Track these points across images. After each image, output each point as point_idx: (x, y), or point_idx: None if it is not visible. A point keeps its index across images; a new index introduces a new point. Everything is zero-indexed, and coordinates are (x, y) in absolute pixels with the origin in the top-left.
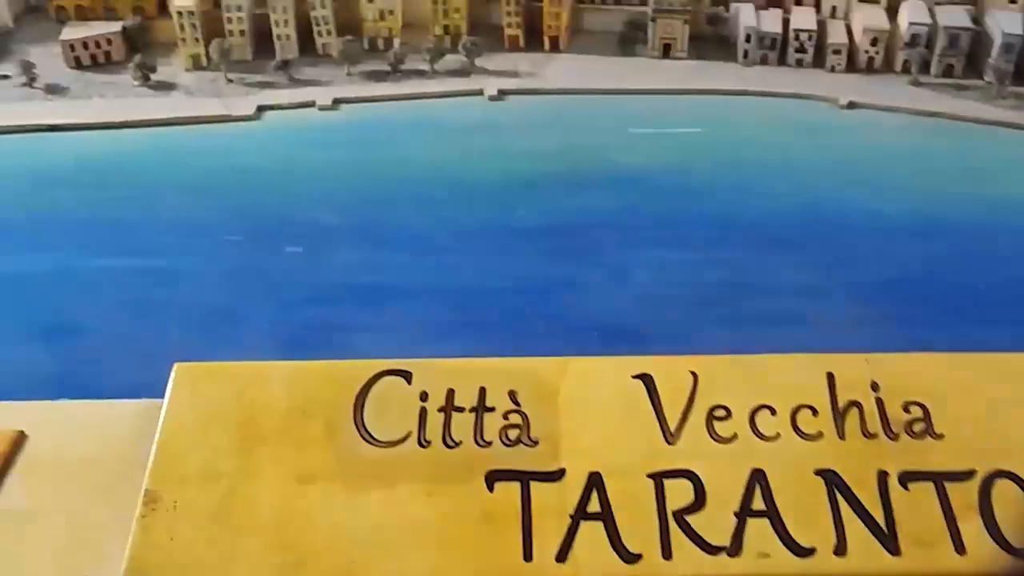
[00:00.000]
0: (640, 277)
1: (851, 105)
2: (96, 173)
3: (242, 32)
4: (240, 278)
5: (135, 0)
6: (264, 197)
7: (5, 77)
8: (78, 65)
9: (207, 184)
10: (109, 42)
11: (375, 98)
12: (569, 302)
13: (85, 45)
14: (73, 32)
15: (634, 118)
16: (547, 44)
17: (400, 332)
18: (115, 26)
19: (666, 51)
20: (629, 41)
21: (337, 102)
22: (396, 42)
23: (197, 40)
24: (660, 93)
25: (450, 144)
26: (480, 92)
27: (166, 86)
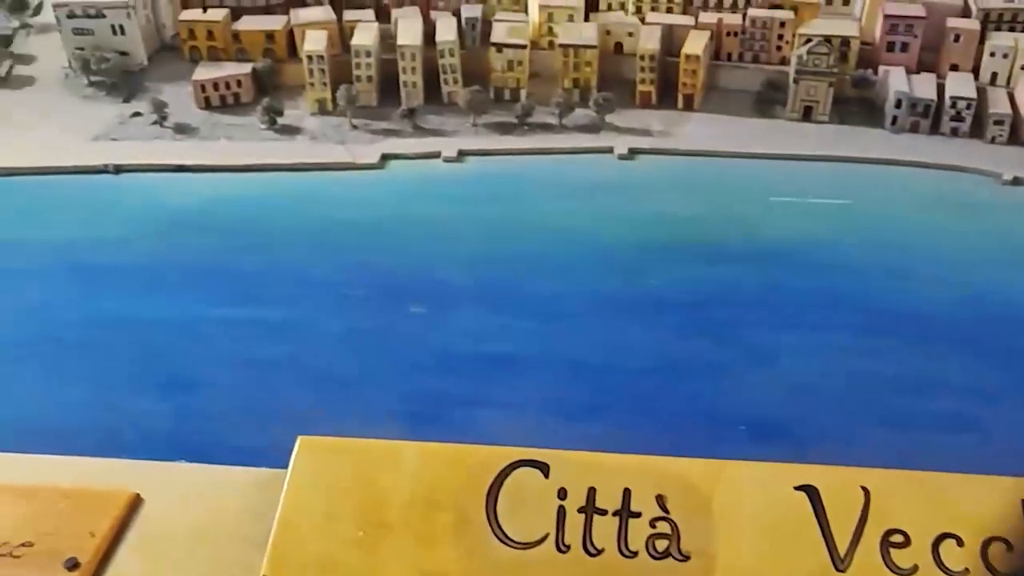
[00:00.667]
0: (788, 363)
1: (1016, 181)
2: (220, 217)
3: (369, 78)
4: (362, 338)
5: (266, 42)
6: (387, 251)
7: (137, 114)
8: (207, 105)
9: (330, 234)
10: (239, 83)
11: (501, 151)
12: (711, 388)
13: (215, 86)
14: (205, 72)
15: (775, 184)
16: (681, 102)
17: (529, 410)
18: (245, 68)
19: (807, 114)
20: (767, 102)
21: (462, 154)
22: (523, 94)
23: (325, 85)
24: (801, 159)
25: (579, 203)
26: (610, 150)
27: (292, 130)
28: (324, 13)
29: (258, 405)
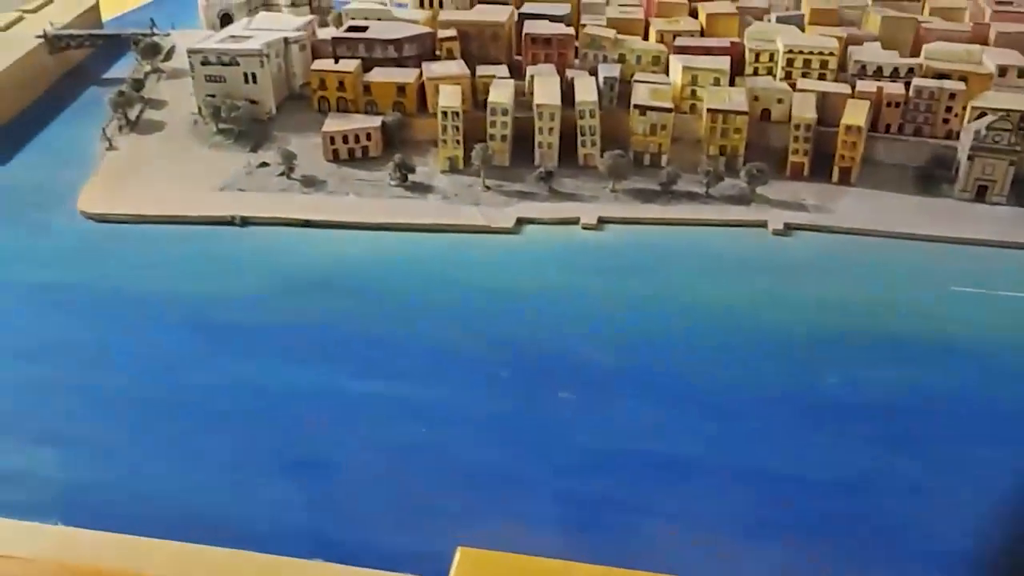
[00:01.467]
0: (1000, 487)
1: None
2: (352, 278)
3: (504, 137)
4: (509, 425)
5: (396, 95)
6: (529, 325)
7: (264, 164)
8: (335, 158)
9: (467, 303)
10: (368, 137)
11: (644, 220)
12: (913, 513)
13: (345, 138)
14: (334, 124)
15: (953, 272)
16: (836, 175)
17: (699, 523)
18: (375, 121)
19: (981, 194)
20: (931, 178)
21: (603, 221)
22: (664, 159)
23: (457, 142)
24: (979, 244)
25: (733, 281)
26: (763, 224)
27: (422, 188)
28: (458, 68)
29: (401, 497)
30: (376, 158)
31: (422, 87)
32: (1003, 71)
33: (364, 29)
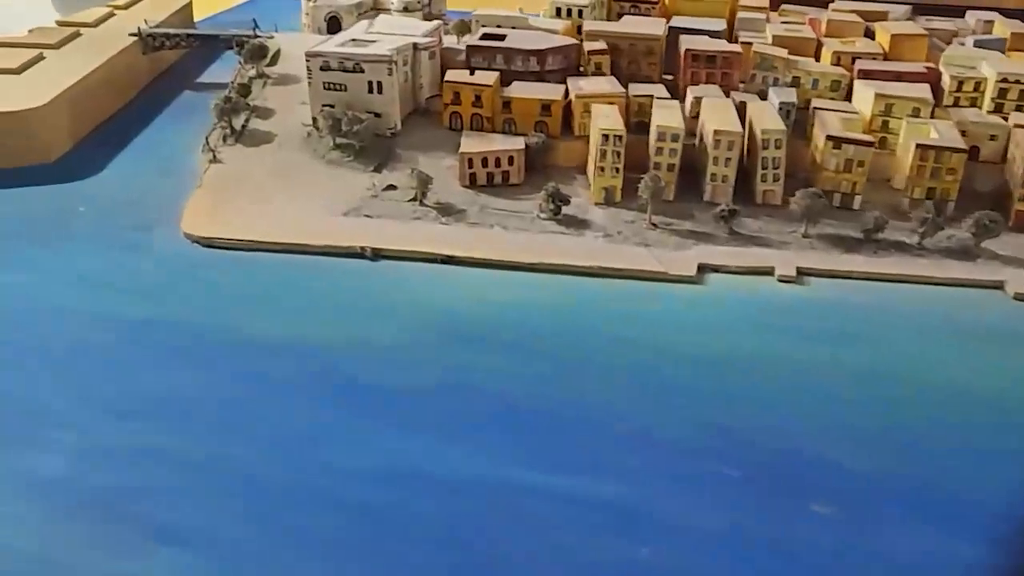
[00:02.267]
0: None
1: None
2: (507, 328)
3: (671, 167)
4: (755, 549)
5: (540, 114)
6: (741, 405)
7: (392, 188)
8: (471, 183)
9: (654, 371)
10: (511, 160)
11: (852, 274)
12: None
13: (484, 162)
14: (472, 145)
15: None
16: None
17: None
18: (517, 143)
19: None
20: None
21: (802, 273)
22: (858, 200)
23: (617, 171)
24: None
25: (975, 355)
26: (999, 286)
27: (576, 223)
28: (610, 85)
29: None
30: (517, 185)
31: (567, 106)
32: None
33: (502, 38)
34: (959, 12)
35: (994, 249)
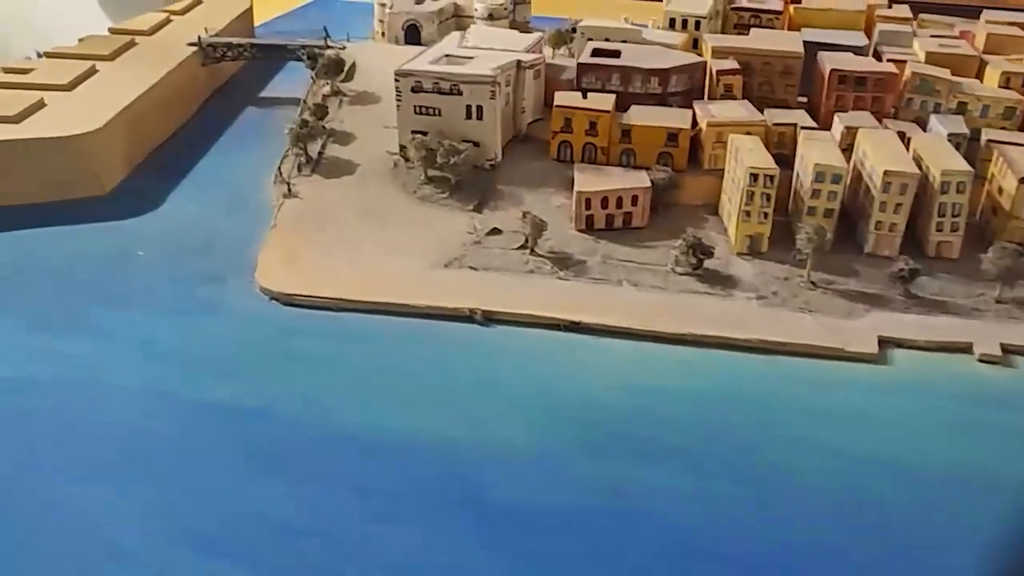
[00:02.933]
0: None
1: None
2: (663, 424)
3: (830, 213)
4: None
5: (664, 145)
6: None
7: (496, 232)
8: (588, 226)
9: (849, 481)
10: (635, 201)
11: None
12: None
13: (604, 202)
14: (589, 181)
15: None
16: None
17: None
18: (641, 179)
19: None
20: None
21: (1008, 352)
22: None
23: (765, 216)
24: None
25: None
26: None
27: (719, 279)
28: (747, 111)
29: None
30: (640, 229)
31: (696, 134)
32: None
33: (617, 54)
34: None
35: None
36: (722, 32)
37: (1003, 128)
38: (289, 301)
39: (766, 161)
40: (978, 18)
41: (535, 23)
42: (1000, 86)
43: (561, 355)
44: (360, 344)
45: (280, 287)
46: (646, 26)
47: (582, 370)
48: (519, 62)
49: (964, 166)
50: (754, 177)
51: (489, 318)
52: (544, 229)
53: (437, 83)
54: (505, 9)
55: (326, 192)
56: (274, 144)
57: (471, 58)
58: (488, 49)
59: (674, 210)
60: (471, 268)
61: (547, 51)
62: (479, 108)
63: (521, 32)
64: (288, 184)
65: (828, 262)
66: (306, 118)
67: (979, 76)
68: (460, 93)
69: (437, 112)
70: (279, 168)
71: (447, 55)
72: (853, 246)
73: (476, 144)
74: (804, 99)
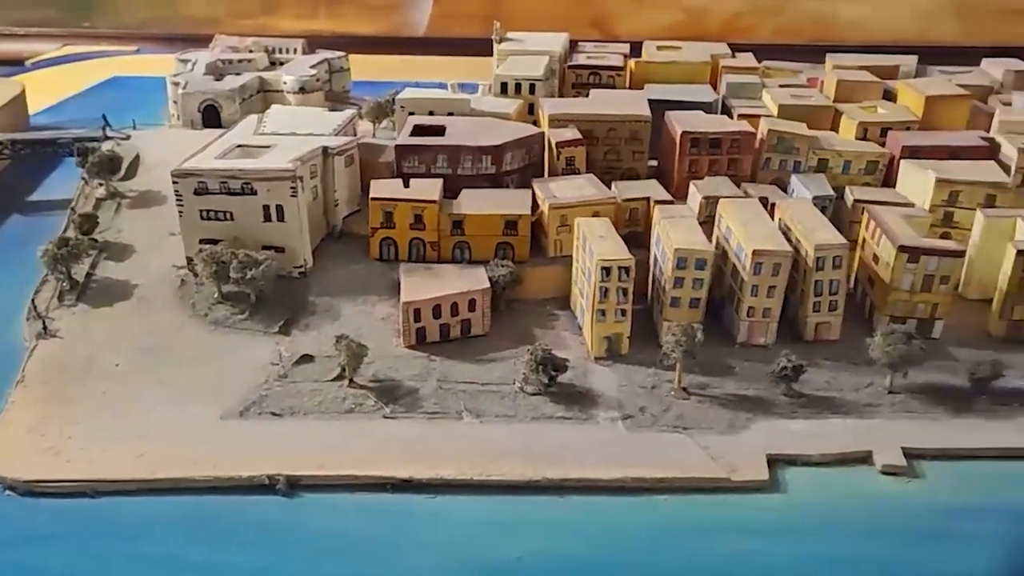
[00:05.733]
0: None
1: None
2: None
3: (695, 302)
4: None
5: (503, 234)
6: None
7: (308, 359)
8: (419, 341)
9: None
10: (472, 305)
11: (979, 453)
12: None
13: (436, 311)
14: (416, 288)
15: None
16: None
17: None
18: (478, 278)
19: None
20: None
21: (912, 456)
22: (939, 328)
23: (623, 314)
24: None
25: None
26: None
27: (577, 397)
28: (592, 186)
29: None
30: (482, 337)
31: (538, 218)
32: None
33: (441, 130)
34: (965, 57)
35: None
36: (560, 94)
37: (867, 184)
38: (30, 490)
39: (618, 250)
40: (818, 59)
41: (358, 90)
42: (858, 137)
43: (389, 528)
44: (125, 544)
45: (17, 471)
46: (476, 90)
47: (417, 549)
48: (326, 148)
49: (839, 238)
50: (606, 271)
51: (294, 485)
52: (363, 355)
53: (225, 182)
54: (318, 80)
55: (94, 326)
56: (36, 265)
57: (268, 147)
58: (289, 134)
59: (519, 308)
60: (273, 414)
61: (367, 127)
62: (279, 208)
63: (340, 103)
64: (43, 321)
65: (699, 358)
66: (65, 236)
67: (834, 127)
68: (254, 192)
69: (229, 216)
70: (32, 302)
71: (239, 145)
72: (722, 335)
73: (280, 250)
74: (655, 162)
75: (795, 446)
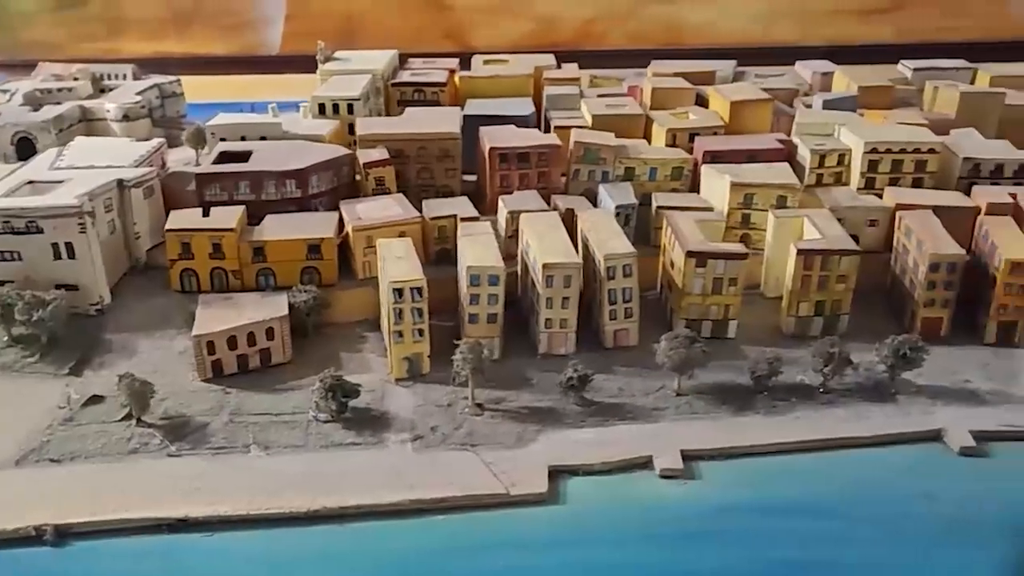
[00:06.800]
0: None
1: None
2: None
3: (493, 319)
4: None
5: (307, 258)
6: None
7: (97, 400)
8: (216, 374)
9: None
10: (270, 334)
11: (754, 449)
12: None
13: (231, 342)
14: (210, 319)
15: None
16: (992, 333)
17: None
18: (277, 305)
19: None
20: None
21: (690, 458)
22: (733, 327)
23: (421, 334)
24: None
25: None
26: (936, 436)
27: (370, 421)
28: (399, 206)
29: None
30: (284, 365)
31: (345, 240)
32: None
33: (246, 156)
34: (783, 57)
35: (910, 377)
36: (387, 112)
37: (674, 190)
38: None
39: (412, 270)
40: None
41: (200, 113)
42: (667, 144)
43: (159, 571)
44: None
45: None
46: (295, 107)
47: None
48: (120, 181)
49: (627, 247)
50: (398, 292)
51: (64, 534)
52: (149, 393)
53: (8, 221)
54: (144, 107)
55: None
56: None
57: (60, 182)
58: (86, 167)
59: (328, 332)
60: (51, 461)
61: (189, 154)
62: (69, 245)
63: (172, 129)
64: None
65: (500, 371)
66: None
67: (647, 136)
68: (40, 231)
69: (17, 256)
70: None
71: (31, 181)
72: (528, 347)
73: (73, 288)
74: (473, 176)
75: (579, 456)
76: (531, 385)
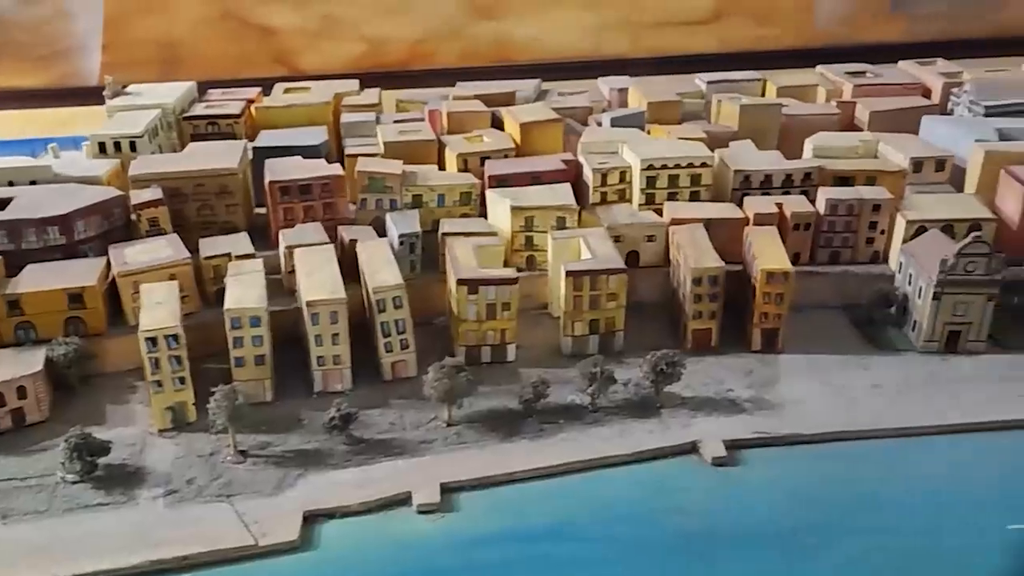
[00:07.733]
0: None
1: None
2: None
3: (260, 360)
4: None
5: (69, 309)
6: None
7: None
8: None
9: None
10: (22, 393)
11: (513, 477)
12: None
13: None
14: None
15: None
16: (757, 341)
17: None
18: (30, 362)
19: (952, 341)
20: (871, 323)
21: (448, 491)
22: (512, 351)
23: (182, 382)
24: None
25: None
26: (692, 448)
27: (124, 478)
28: (171, 248)
29: None
30: (42, 424)
31: (113, 286)
32: (918, 165)
33: (5, 203)
34: (613, 70)
35: (676, 390)
36: (181, 147)
37: (464, 215)
38: None
39: (167, 317)
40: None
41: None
42: (459, 169)
43: None
44: None
45: None
46: (79, 142)
47: None
48: None
49: (396, 279)
50: (152, 341)
51: None
52: None
53: None
54: None
55: None
56: None
57: None
58: None
59: (97, 383)
60: None
61: None
62: None
63: None
64: None
65: (273, 413)
66: None
67: (441, 161)
68: None
69: None
70: None
71: None
72: (305, 386)
73: None
74: (264, 209)
75: (338, 498)
76: (302, 426)
